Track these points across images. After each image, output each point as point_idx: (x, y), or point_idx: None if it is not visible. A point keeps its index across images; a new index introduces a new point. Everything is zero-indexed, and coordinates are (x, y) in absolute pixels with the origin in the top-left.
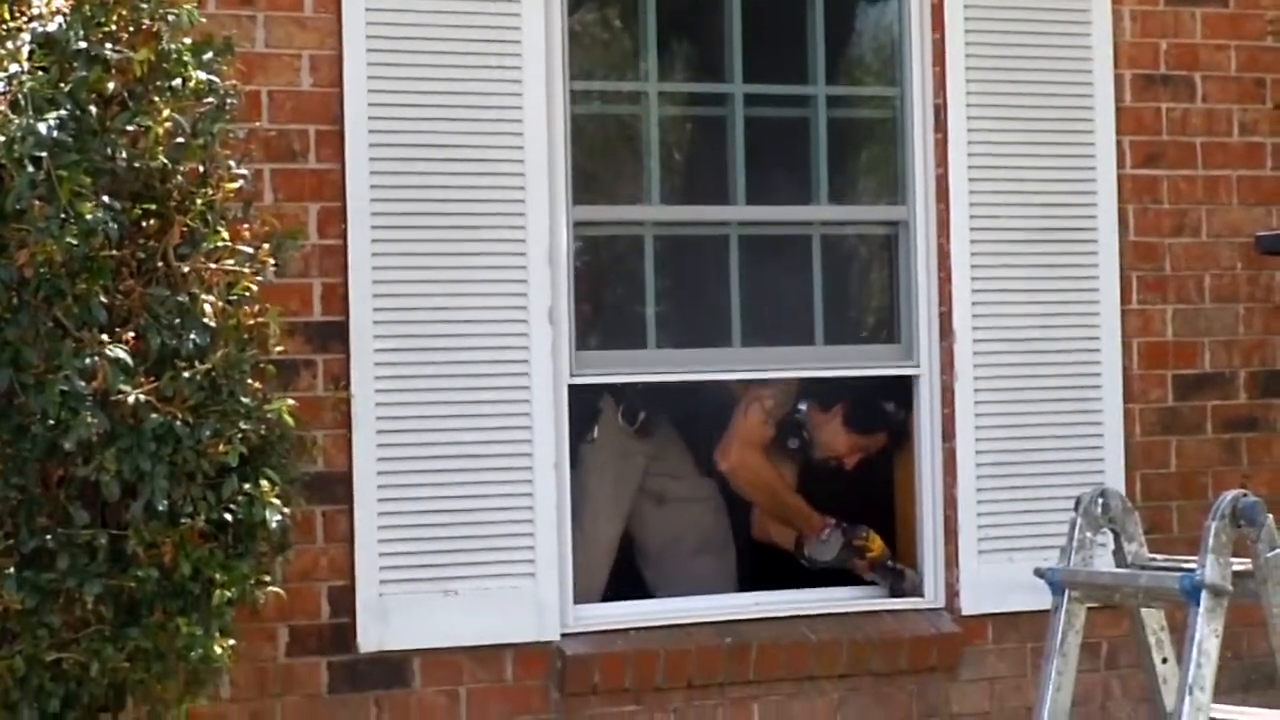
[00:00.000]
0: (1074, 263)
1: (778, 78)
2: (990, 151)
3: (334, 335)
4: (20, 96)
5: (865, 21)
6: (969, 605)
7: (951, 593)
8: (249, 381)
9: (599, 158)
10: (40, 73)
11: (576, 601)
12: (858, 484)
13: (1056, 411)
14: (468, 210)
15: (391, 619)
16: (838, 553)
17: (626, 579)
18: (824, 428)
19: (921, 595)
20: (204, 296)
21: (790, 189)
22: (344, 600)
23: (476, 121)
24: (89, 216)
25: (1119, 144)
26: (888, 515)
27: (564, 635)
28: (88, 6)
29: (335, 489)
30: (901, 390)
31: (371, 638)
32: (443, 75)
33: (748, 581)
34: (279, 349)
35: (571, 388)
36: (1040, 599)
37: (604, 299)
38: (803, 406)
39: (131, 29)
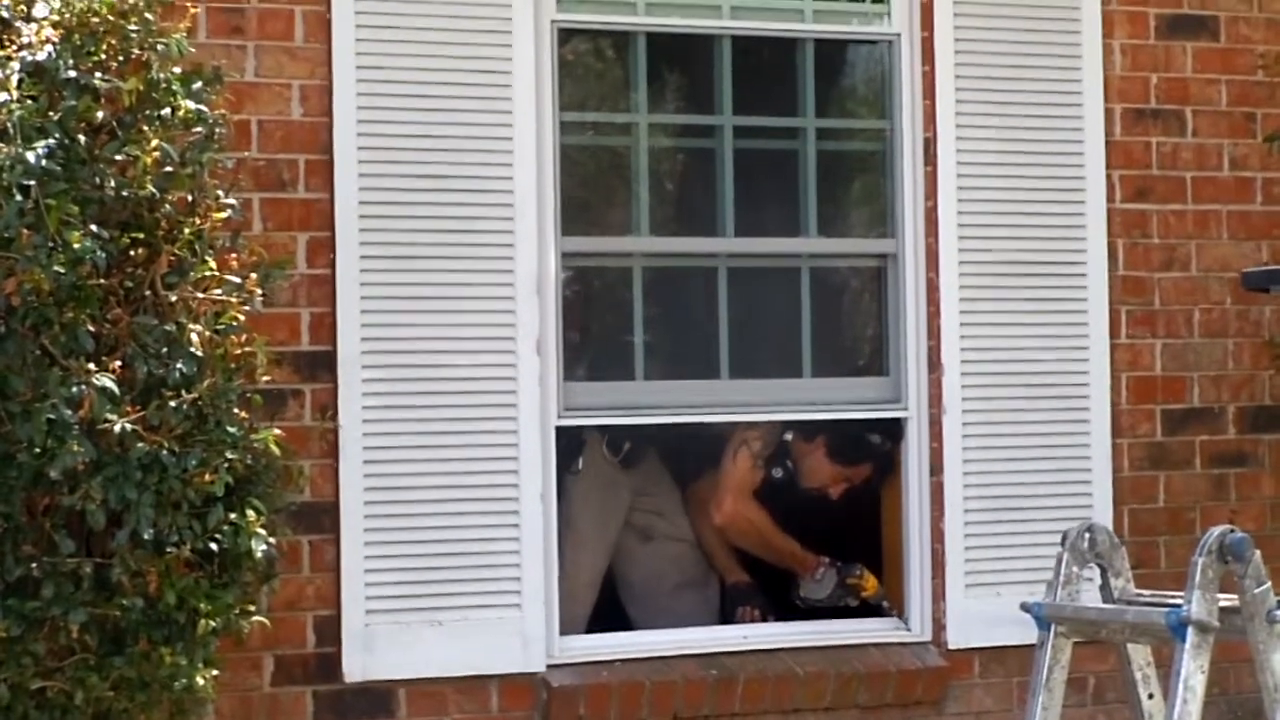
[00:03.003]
0: (1063, 296)
1: (767, 110)
2: (980, 185)
3: (321, 365)
4: (9, 125)
5: (855, 54)
6: (955, 639)
7: (938, 626)
8: (236, 411)
9: (588, 188)
10: (29, 101)
11: (562, 633)
12: (844, 516)
13: (1044, 445)
14: (457, 241)
15: (377, 649)
16: (831, 591)
17: (612, 611)
18: (808, 458)
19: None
20: (191, 326)
21: (779, 221)
22: (329, 630)
23: (466, 152)
24: (77, 245)
25: (1109, 178)
26: (874, 548)
27: (549, 666)
28: (77, 35)
29: (321, 519)
30: (888, 421)
31: (357, 667)
32: (432, 105)
33: (729, 616)
34: (266, 378)
35: (559, 429)
36: (1027, 633)
37: (593, 330)
38: (788, 436)
39: (121, 58)
